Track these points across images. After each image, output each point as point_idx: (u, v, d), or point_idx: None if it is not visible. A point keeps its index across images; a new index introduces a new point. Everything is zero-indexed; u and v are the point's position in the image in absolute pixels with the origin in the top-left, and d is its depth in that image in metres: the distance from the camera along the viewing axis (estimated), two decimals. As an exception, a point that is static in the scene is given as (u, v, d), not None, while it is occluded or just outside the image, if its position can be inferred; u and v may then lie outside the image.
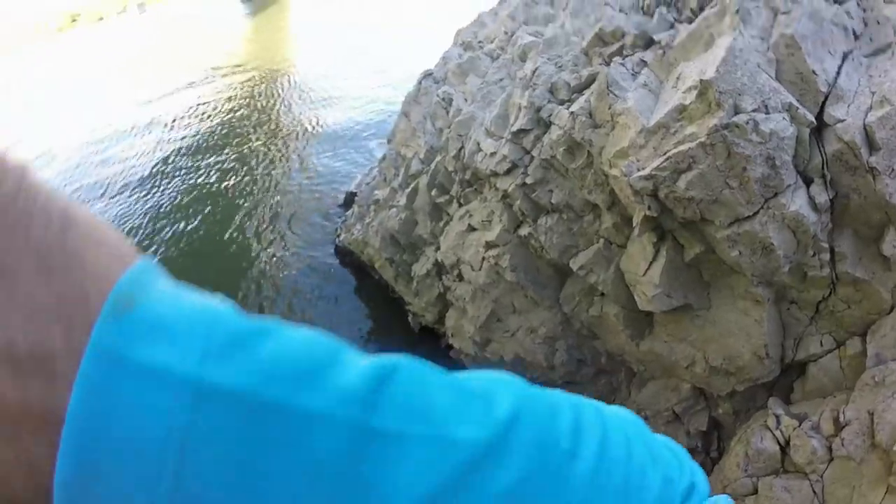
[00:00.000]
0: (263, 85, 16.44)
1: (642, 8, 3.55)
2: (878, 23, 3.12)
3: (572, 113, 3.15)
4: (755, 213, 2.76)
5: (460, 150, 3.92)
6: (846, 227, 2.97)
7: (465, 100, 4.26)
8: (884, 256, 2.82)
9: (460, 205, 4.11)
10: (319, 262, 6.88)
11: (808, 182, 2.86)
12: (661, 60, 3.09)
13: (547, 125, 3.37)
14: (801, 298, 3.21)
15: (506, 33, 4.50)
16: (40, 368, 0.22)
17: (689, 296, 3.26)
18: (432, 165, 4.38)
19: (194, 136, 12.94)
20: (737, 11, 2.85)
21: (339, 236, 7.17)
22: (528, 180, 3.29)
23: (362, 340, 5.90)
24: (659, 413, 3.80)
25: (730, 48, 2.66)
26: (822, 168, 2.81)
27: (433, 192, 4.33)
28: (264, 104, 14.78)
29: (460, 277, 4.42)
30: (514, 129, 3.41)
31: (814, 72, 2.80)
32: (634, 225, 2.97)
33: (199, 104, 15.19)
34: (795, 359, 3.25)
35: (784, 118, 2.69)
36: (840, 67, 2.92)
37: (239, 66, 19.04)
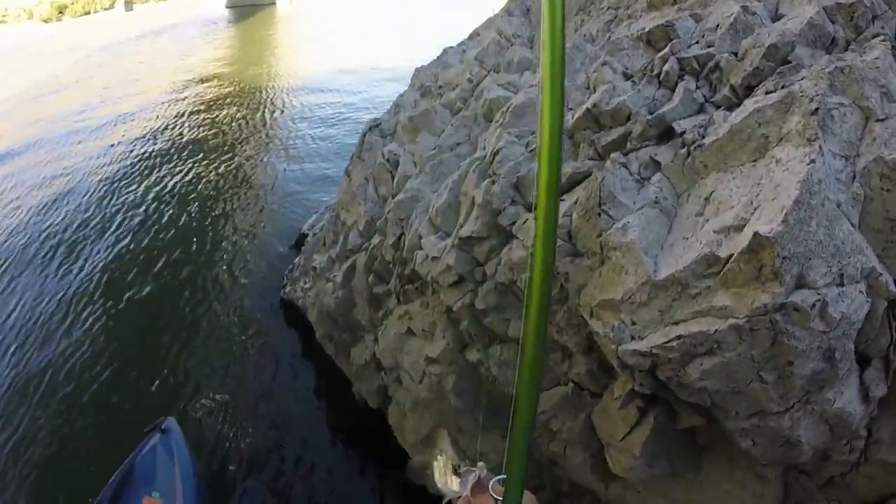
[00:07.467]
0: (237, 99, 15.63)
1: (658, 76, 2.45)
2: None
3: (541, 228, 2.25)
4: (787, 409, 1.92)
5: (400, 237, 3.03)
6: (890, 407, 2.12)
7: (414, 164, 3.39)
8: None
9: (399, 301, 3.22)
10: (263, 321, 6.09)
11: (861, 363, 2.00)
12: (684, 165, 2.13)
13: (507, 236, 2.45)
14: (815, 472, 2.39)
15: (470, 81, 3.63)
16: None
17: (675, 463, 2.45)
18: (372, 241, 3.51)
19: (151, 149, 12.10)
20: (815, 111, 1.83)
21: (284, 287, 6.33)
22: (480, 305, 2.40)
23: (309, 416, 5.16)
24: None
25: (805, 181, 1.69)
26: (888, 350, 1.94)
27: (370, 279, 3.45)
28: (235, 118, 13.96)
29: (400, 381, 3.55)
30: (464, 233, 2.50)
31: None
32: (617, 396, 2.12)
33: (161, 115, 14.33)
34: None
35: (861, 292, 1.78)
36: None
37: (213, 77, 18.25)
